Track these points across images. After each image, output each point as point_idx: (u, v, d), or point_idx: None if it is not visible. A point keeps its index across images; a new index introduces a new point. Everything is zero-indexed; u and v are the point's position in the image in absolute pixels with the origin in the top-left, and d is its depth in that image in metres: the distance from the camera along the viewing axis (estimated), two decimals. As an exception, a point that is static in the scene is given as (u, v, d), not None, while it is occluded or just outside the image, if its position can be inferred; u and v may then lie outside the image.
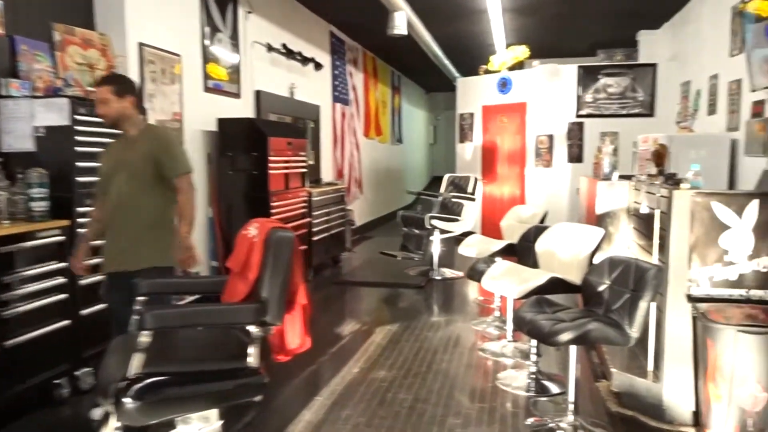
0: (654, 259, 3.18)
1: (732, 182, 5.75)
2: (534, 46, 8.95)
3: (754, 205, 2.78)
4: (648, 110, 8.30)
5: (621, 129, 8.32)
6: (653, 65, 8.24)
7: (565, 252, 3.65)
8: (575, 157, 8.52)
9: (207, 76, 5.38)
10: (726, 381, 2.61)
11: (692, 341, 2.85)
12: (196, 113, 5.16)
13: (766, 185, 4.79)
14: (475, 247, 4.68)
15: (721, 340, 2.61)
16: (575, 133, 8.53)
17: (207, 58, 5.38)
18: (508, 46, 9.23)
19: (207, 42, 5.37)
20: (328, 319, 5.18)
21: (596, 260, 3.31)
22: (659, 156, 4.36)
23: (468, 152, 9.73)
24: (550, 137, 8.66)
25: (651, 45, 8.63)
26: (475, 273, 4.15)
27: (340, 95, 9.00)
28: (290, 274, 2.42)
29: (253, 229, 2.58)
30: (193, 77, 5.17)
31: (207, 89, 5.40)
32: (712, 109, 6.41)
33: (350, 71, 9.55)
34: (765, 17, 4.78)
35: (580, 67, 8.45)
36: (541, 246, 3.81)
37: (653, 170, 3.97)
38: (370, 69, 10.83)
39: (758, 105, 5.23)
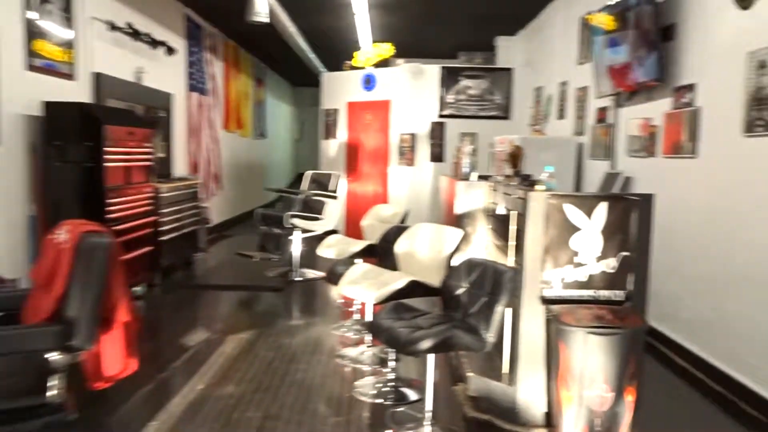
0: (510, 260, 3.15)
1: (578, 184, 6.06)
2: (399, 45, 8.95)
3: (603, 207, 2.82)
4: (504, 113, 8.62)
5: (480, 130, 8.56)
6: (509, 70, 8.57)
7: (425, 253, 3.55)
8: (437, 156, 8.65)
9: (33, 53, 4.66)
10: (576, 382, 2.62)
11: (545, 343, 2.84)
12: (14, 94, 4.45)
13: (608, 187, 5.06)
14: (334, 248, 4.46)
15: (571, 341, 2.61)
16: (437, 132, 8.65)
17: (32, 32, 4.66)
18: (373, 43, 9.16)
19: (31, 13, 4.65)
20: (174, 328, 4.71)
21: (455, 262, 3.23)
22: (514, 157, 4.42)
23: (332, 149, 9.54)
24: (413, 136, 8.71)
25: (507, 50, 8.98)
26: (333, 275, 3.93)
27: (196, 84, 8.39)
28: (106, 287, 2.04)
29: (63, 233, 2.15)
30: (11, 53, 4.45)
31: (32, 68, 4.68)
32: (561, 114, 6.74)
33: (209, 59, 8.95)
34: (609, 30, 5.05)
35: (443, 67, 8.58)
36: (400, 247, 3.68)
37: (509, 171, 4.00)
38: (231, 58, 10.25)
39: (602, 111, 5.53)
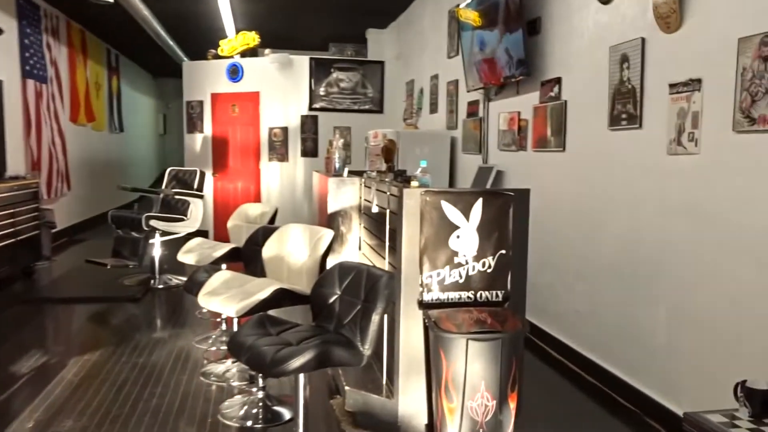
0: (386, 263, 2.95)
1: (452, 178, 6.04)
2: (266, 34, 8.51)
3: (479, 204, 2.69)
4: (378, 106, 8.49)
5: (353, 124, 8.38)
6: (381, 63, 8.45)
7: (295, 257, 3.25)
8: (310, 151, 8.34)
9: None
10: (458, 392, 2.46)
11: (425, 351, 2.66)
12: None
13: (481, 181, 5.05)
14: (194, 253, 4.02)
15: (452, 349, 2.45)
16: (309, 126, 8.34)
17: None
18: (238, 31, 8.64)
19: None
20: (4, 352, 4.03)
21: (329, 266, 2.97)
22: (388, 151, 4.24)
23: (198, 144, 8.89)
24: (285, 130, 8.34)
25: (379, 43, 8.86)
26: (193, 285, 3.52)
27: (33, 70, 7.41)
28: None
29: None
30: None
31: None
32: (434, 108, 6.70)
33: (48, 43, 7.95)
34: (476, 26, 5.03)
35: (312, 59, 8.27)
36: (268, 251, 3.35)
37: (383, 166, 3.81)
38: (77, 43, 9.22)
39: (473, 105, 5.52)
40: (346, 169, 3.96)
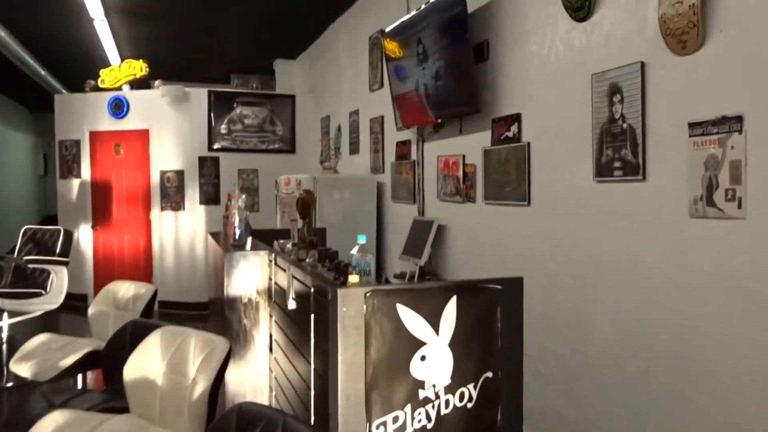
0: (311, 394, 1.95)
1: (380, 233, 5.14)
2: (157, 64, 7.36)
3: (452, 306, 1.77)
4: (289, 146, 7.51)
5: (261, 166, 7.34)
6: (291, 97, 7.51)
7: (174, 381, 2.19)
8: (210, 198, 7.19)
9: None
10: None
11: None
12: None
13: (419, 237, 4.17)
14: (34, 361, 2.83)
15: None
16: (209, 169, 7.21)
17: None
18: (124, 60, 7.44)
19: None
20: None
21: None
22: (305, 205, 3.31)
23: (74, 191, 7.50)
24: (180, 174, 7.15)
25: (288, 75, 7.93)
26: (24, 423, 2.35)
27: None
28: None
29: None
30: None
31: None
32: (354, 148, 5.82)
33: None
34: (396, 57, 4.25)
35: (211, 92, 7.20)
36: (134, 367, 2.27)
37: (299, 222, 2.86)
38: None
39: (403, 146, 4.68)
40: (250, 239, 2.94)
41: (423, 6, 3.80)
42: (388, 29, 4.38)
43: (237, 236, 2.89)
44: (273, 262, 2.66)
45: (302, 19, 6.44)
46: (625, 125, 2.44)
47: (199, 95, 7.18)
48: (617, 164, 2.49)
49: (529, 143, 3.12)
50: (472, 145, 3.68)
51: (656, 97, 2.31)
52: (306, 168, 7.08)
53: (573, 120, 2.76)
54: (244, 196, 3.07)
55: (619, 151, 2.47)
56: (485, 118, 3.49)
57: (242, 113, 7.31)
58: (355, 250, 2.04)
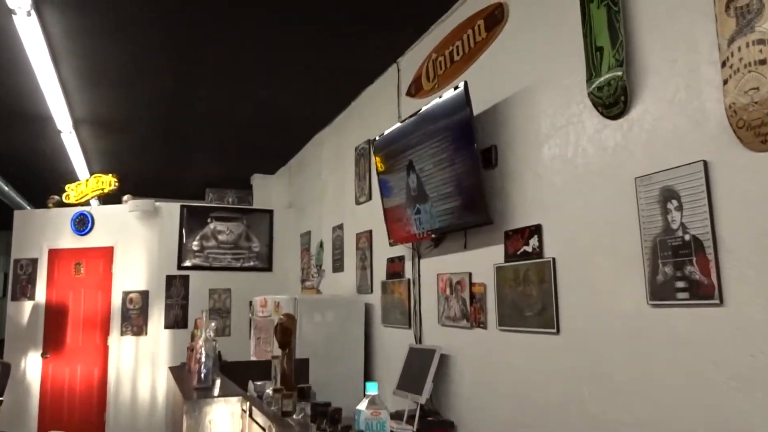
0: None
1: (369, 362, 4.51)
2: (128, 178, 6.95)
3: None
4: (265, 263, 6.97)
5: (234, 285, 6.75)
6: (269, 212, 7.08)
7: None
8: (177, 321, 6.50)
9: None
10: None
11: None
12: None
13: (418, 370, 3.56)
14: None
15: None
16: (178, 289, 6.58)
17: None
18: (93, 174, 7.02)
19: None
20: None
21: None
22: (285, 332, 2.75)
23: (25, 314, 6.74)
24: (144, 294, 6.50)
25: (266, 189, 7.57)
26: None
27: None
28: None
29: None
30: None
31: None
32: (338, 266, 5.31)
33: None
34: (385, 169, 3.91)
35: (184, 206, 6.75)
36: None
37: (276, 352, 2.28)
38: None
39: (396, 263, 4.18)
40: (218, 381, 2.33)
41: (420, 111, 3.48)
42: (378, 139, 4.05)
43: (202, 376, 2.28)
44: (248, 413, 2.04)
45: (282, 133, 6.18)
46: (687, 236, 1.99)
47: (171, 210, 6.72)
48: (680, 284, 2.01)
49: (554, 259, 2.65)
50: (480, 262, 3.20)
51: (728, 201, 1.88)
52: (284, 288, 6.52)
53: (613, 231, 2.32)
54: (213, 324, 2.49)
55: (682, 268, 2.00)
56: (496, 231, 3.05)
57: (216, 229, 6.82)
58: (363, 405, 1.47)
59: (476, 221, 3.07)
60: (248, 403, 2.02)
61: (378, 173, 4.10)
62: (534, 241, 2.77)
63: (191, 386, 2.37)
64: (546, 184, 2.74)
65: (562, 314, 2.59)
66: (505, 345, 2.96)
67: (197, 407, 2.05)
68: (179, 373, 3.03)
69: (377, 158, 4.06)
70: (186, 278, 6.62)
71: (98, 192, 6.86)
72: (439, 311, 3.59)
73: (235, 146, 6.71)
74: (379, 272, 4.47)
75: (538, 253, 2.74)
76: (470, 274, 3.28)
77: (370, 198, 4.69)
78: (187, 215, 6.73)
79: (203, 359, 2.27)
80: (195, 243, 6.72)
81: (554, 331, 2.61)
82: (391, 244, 4.02)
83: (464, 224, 3.19)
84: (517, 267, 2.87)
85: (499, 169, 3.07)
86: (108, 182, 6.79)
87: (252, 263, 6.91)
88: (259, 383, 2.23)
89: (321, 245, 5.87)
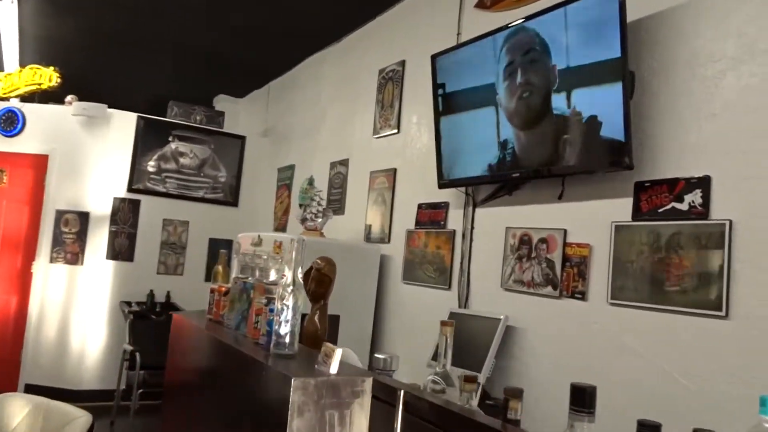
0: None
1: (378, 321, 3.81)
2: (73, 76, 5.73)
3: None
4: (231, 197, 6.04)
5: (193, 218, 5.80)
6: (242, 138, 6.12)
7: None
8: (123, 252, 5.49)
9: None
10: None
11: None
12: None
13: (462, 336, 2.90)
14: None
15: None
16: (126, 214, 5.55)
17: None
18: (25, 65, 5.75)
19: None
20: None
21: None
22: (323, 281, 2.11)
23: (-75, 225, 5.49)
24: (84, 217, 5.43)
25: (233, 115, 6.57)
26: None
27: None
28: None
29: None
30: None
31: None
32: (336, 208, 4.53)
33: None
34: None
35: (141, 118, 5.66)
36: None
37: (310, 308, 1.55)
38: None
39: (434, 209, 3.46)
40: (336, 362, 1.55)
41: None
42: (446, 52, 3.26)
43: (286, 340, 1.48)
44: (400, 405, 1.29)
45: (262, 50, 5.24)
46: None
47: (125, 120, 5.61)
48: None
49: (730, 222, 2.02)
50: (584, 218, 2.55)
51: None
52: (251, 227, 5.63)
53: None
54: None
55: None
56: (618, 181, 2.40)
57: (178, 150, 5.80)
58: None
59: (615, 165, 2.36)
60: (401, 392, 1.27)
61: (438, 88, 3.32)
62: (694, 197, 2.14)
63: (255, 351, 1.58)
64: (725, 125, 2.10)
65: (736, 294, 1.99)
66: (621, 324, 2.34)
67: (315, 391, 1.27)
68: (196, 321, 2.21)
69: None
70: (137, 203, 5.59)
71: (33, 87, 5.63)
72: (503, 273, 2.92)
73: (201, 59, 5.69)
74: (404, 219, 3.75)
75: (702, 213, 2.11)
76: (565, 232, 2.63)
77: (397, 130, 3.92)
78: (145, 129, 5.66)
79: (288, 315, 1.48)
80: (151, 163, 5.67)
81: (721, 314, 2.00)
82: (440, 186, 3.28)
83: (586, 167, 2.49)
84: (657, 228, 2.24)
85: (634, 103, 2.39)
86: (48, 77, 5.57)
87: (216, 195, 5.96)
88: (382, 356, 1.48)
89: (311, 182, 5.03)
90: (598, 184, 2.50)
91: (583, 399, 0.92)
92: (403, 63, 3.97)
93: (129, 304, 5.33)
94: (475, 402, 1.22)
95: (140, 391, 4.55)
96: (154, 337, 5.06)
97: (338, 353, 1.34)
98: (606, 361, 2.37)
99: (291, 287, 1.53)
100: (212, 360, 1.89)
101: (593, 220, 2.50)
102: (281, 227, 5.49)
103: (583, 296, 2.51)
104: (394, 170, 3.90)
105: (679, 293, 2.14)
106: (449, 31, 3.49)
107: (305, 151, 5.26)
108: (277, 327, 1.52)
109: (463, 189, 3.23)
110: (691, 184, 2.16)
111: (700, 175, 2.14)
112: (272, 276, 1.86)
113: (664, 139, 2.29)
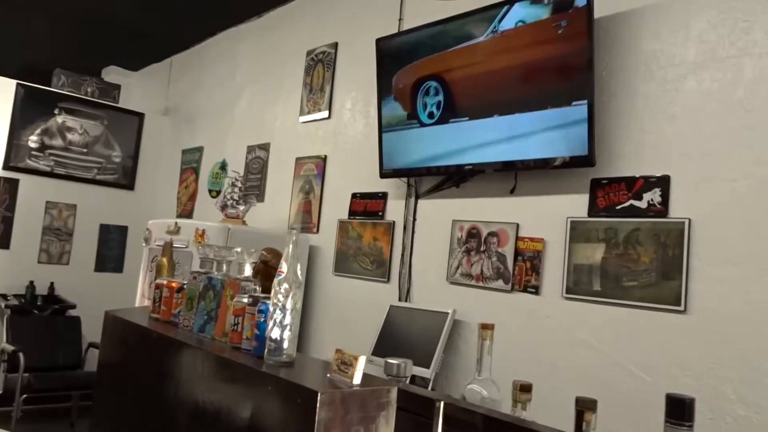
0: None
1: (306, 314, 3.64)
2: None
3: None
4: (127, 179, 5.52)
5: (82, 201, 5.24)
6: (140, 115, 5.60)
7: None
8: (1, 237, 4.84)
9: None
10: None
11: None
12: None
13: (402, 331, 2.85)
14: None
15: None
16: (1, 195, 4.88)
17: None
18: None
19: None
20: None
21: None
22: (269, 276, 1.89)
23: None
24: (-50, 197, 4.71)
25: (126, 89, 6.00)
26: None
27: None
28: None
29: None
30: None
31: None
32: (256, 194, 4.27)
33: None
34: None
35: (21, 86, 4.99)
36: None
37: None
38: None
39: (372, 200, 3.36)
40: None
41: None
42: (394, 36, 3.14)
43: (284, 344, 1.30)
44: (439, 418, 1.16)
45: (163, 18, 4.83)
46: None
47: (2, 88, 4.92)
48: None
49: (689, 221, 2.11)
50: (537, 213, 2.57)
51: None
52: (150, 213, 5.19)
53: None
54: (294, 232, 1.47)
55: None
56: (574, 177, 2.43)
57: (66, 125, 5.19)
58: None
59: (572, 160, 2.38)
60: (440, 404, 1.15)
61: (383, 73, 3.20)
62: (654, 196, 2.21)
63: (245, 358, 1.39)
64: (685, 127, 2.18)
65: (693, 289, 2.08)
66: (575, 318, 2.38)
67: (342, 406, 1.11)
68: (136, 319, 1.93)
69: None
70: (15, 183, 4.94)
71: None
72: (449, 266, 2.88)
73: (88, 23, 5.12)
74: (335, 209, 3.60)
75: (661, 211, 2.18)
76: (518, 226, 2.63)
77: (328, 114, 3.75)
78: (25, 99, 5.00)
79: (287, 318, 1.31)
80: (33, 138, 5.03)
81: (680, 308, 2.09)
82: (382, 175, 3.17)
83: (546, 161, 2.49)
84: (615, 224, 2.30)
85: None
86: None
87: (109, 176, 5.42)
88: (395, 361, 1.34)
89: (223, 167, 4.72)
90: (552, 179, 2.52)
91: (682, 411, 0.87)
92: (335, 45, 3.80)
93: (5, 297, 4.71)
94: (527, 413, 1.14)
95: (24, 396, 4.02)
96: (39, 335, 4.52)
97: (362, 361, 1.20)
98: (558, 354, 2.40)
99: (291, 286, 1.35)
100: (180, 369, 1.65)
101: (547, 215, 2.52)
102: (186, 213, 5.10)
103: (536, 290, 2.52)
104: (324, 157, 3.74)
105: (638, 288, 2.20)
106: (390, 16, 3.38)
107: (216, 133, 4.92)
108: (272, 331, 1.34)
109: (404, 180, 3.15)
110: (650, 182, 2.23)
111: (660, 175, 2.21)
112: (247, 271, 1.66)
113: (622, 138, 2.34)
